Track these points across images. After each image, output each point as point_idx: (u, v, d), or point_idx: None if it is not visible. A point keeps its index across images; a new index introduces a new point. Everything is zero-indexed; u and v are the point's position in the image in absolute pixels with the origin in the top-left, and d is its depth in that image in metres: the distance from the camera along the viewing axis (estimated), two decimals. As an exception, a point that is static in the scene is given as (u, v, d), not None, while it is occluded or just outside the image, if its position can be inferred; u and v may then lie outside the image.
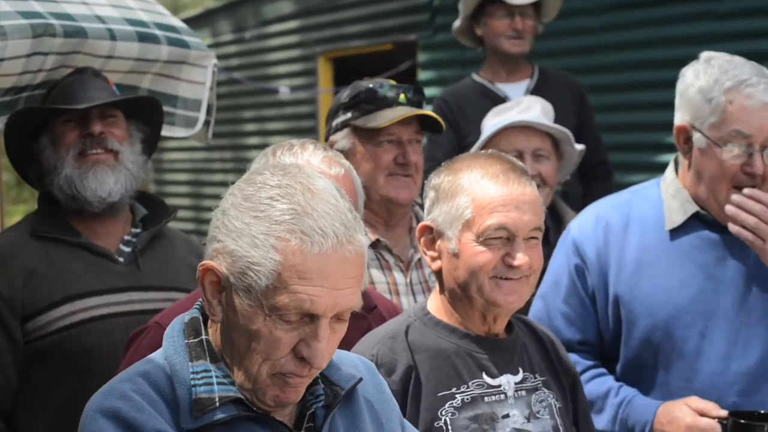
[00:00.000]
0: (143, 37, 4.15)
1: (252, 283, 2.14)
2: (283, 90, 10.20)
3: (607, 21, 7.96)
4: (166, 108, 4.17)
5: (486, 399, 2.87)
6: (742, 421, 3.14)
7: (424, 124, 3.92)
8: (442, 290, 2.98)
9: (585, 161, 5.46)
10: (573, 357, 3.44)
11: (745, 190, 3.30)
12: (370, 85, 3.88)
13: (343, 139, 3.87)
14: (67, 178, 3.76)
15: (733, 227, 3.30)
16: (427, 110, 3.94)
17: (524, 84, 5.55)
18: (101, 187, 3.76)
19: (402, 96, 3.86)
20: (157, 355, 2.29)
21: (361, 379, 2.38)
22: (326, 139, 3.94)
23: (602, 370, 3.51)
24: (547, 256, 4.06)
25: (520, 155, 4.19)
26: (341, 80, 10.39)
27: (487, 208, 2.84)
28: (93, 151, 3.79)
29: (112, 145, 3.81)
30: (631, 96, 7.74)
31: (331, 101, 4.38)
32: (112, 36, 4.04)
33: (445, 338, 2.92)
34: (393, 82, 3.96)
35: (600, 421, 3.43)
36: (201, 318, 2.31)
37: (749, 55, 6.84)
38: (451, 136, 5.26)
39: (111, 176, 3.78)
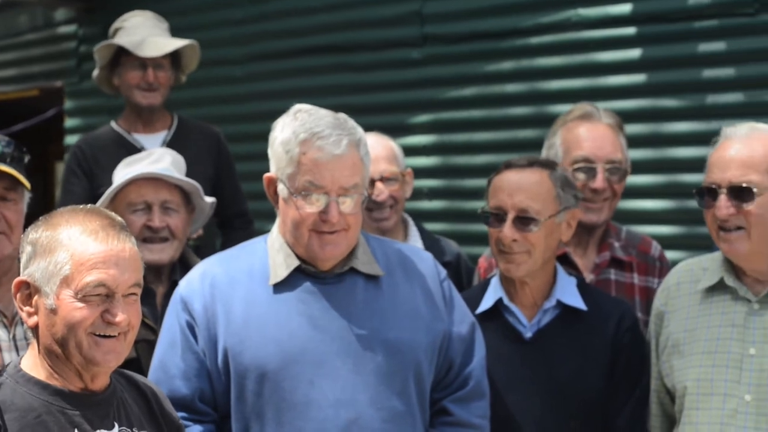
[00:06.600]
0: None
1: None
2: None
3: (250, 71, 8.13)
4: None
5: None
6: None
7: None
8: (38, 347, 2.94)
9: (224, 211, 5.45)
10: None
11: None
12: None
13: None
14: None
15: None
16: (10, 169, 3.78)
17: (162, 135, 5.51)
18: None
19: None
20: None
21: None
22: None
23: None
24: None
25: (149, 207, 4.22)
26: (-13, 126, 10.09)
27: (87, 264, 2.84)
28: None
29: None
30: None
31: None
32: None
33: (36, 395, 2.86)
34: None
35: None
36: None
37: (383, 107, 7.15)
38: (86, 185, 5.19)
39: None
